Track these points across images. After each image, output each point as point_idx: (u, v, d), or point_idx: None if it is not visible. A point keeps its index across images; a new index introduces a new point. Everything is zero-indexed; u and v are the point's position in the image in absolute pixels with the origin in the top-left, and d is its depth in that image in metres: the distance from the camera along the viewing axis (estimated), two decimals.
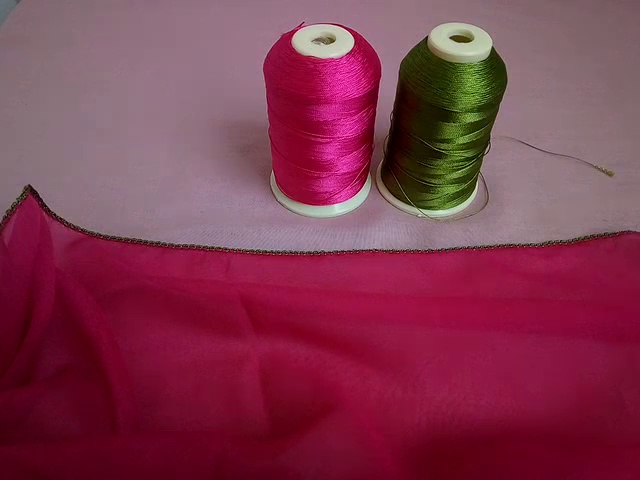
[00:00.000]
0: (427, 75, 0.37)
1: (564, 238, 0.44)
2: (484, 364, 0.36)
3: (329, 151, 0.41)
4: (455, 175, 0.43)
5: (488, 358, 0.36)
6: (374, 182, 0.49)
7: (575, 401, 0.35)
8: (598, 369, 0.36)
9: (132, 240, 0.43)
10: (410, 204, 0.46)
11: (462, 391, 0.35)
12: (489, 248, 0.43)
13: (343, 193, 0.45)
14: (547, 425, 0.34)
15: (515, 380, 0.35)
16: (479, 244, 0.44)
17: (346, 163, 0.42)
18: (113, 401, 0.32)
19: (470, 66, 0.36)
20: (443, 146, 0.40)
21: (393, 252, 0.43)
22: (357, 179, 0.45)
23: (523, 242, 0.44)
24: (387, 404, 0.34)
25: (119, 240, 0.43)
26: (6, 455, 0.27)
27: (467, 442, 0.33)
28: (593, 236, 0.44)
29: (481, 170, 0.47)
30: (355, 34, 0.38)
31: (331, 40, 0.37)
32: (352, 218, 0.46)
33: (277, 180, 0.48)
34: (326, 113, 0.37)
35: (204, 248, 0.43)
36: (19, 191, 0.39)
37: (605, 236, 0.44)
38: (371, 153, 0.45)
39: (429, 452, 0.32)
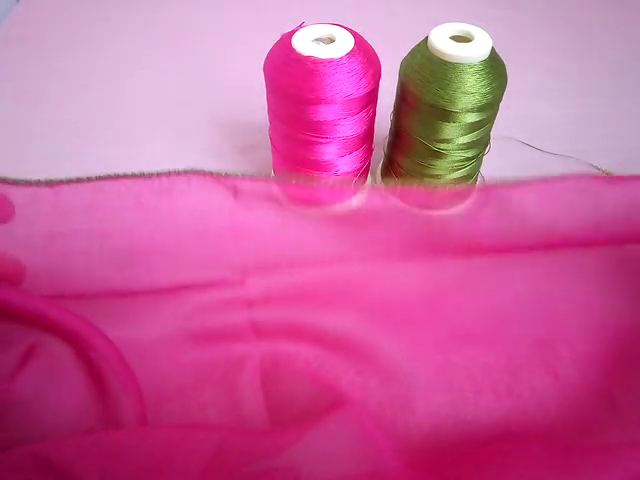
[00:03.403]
0: (427, 75, 0.37)
1: None
2: (486, 364, 0.36)
3: (329, 151, 0.41)
4: (455, 175, 0.43)
5: (490, 358, 0.36)
6: (374, 182, 0.49)
7: (575, 402, 0.35)
8: (595, 370, 0.36)
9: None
10: None
11: (463, 391, 0.35)
12: None
13: None
14: (547, 425, 0.34)
15: (516, 380, 0.36)
16: None
17: (346, 163, 0.42)
18: (121, 403, 0.32)
19: (470, 66, 0.37)
20: (443, 146, 0.40)
21: None
22: (357, 179, 0.45)
23: None
24: (388, 403, 0.34)
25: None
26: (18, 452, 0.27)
27: (468, 442, 0.33)
28: None
29: (481, 170, 0.47)
30: (355, 34, 0.38)
31: (331, 40, 0.37)
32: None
33: None
34: (326, 113, 0.37)
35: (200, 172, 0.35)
36: None
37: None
38: (371, 153, 0.45)
39: (430, 451, 0.32)
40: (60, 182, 0.32)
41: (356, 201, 0.47)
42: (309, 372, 0.36)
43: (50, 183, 0.31)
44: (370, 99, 0.39)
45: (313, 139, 0.39)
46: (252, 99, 0.50)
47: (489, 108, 0.39)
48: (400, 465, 0.31)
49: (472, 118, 0.38)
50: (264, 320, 0.37)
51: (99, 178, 0.32)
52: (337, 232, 0.39)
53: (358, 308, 0.38)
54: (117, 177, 0.33)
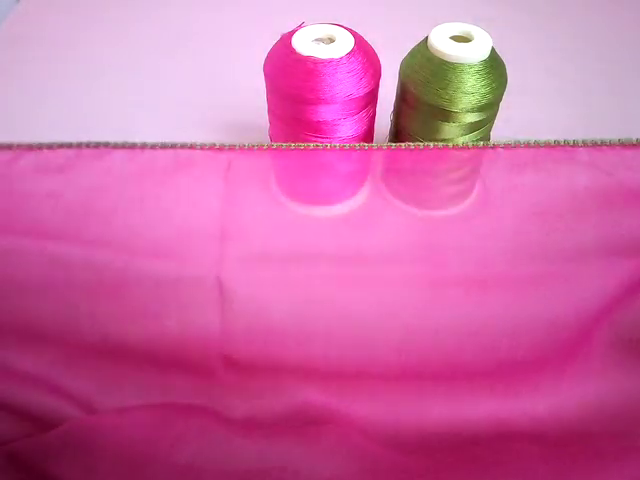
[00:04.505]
0: (427, 75, 0.37)
1: None
2: (483, 365, 0.36)
3: None
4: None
5: (487, 360, 0.36)
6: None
7: (574, 404, 0.35)
8: (595, 374, 0.36)
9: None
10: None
11: (461, 391, 0.35)
12: None
13: None
14: (545, 426, 0.34)
15: (517, 381, 0.36)
16: None
17: None
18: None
19: (470, 66, 0.36)
20: None
21: None
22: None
23: None
24: (387, 401, 0.34)
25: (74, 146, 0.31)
26: None
27: (466, 441, 0.33)
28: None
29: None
30: (355, 34, 0.38)
31: (331, 40, 0.37)
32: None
33: None
34: (326, 113, 0.37)
35: (192, 146, 0.30)
36: None
37: None
38: None
39: (429, 450, 0.32)
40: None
41: (356, 201, 0.47)
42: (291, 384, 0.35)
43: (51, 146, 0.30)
44: (370, 99, 0.39)
45: (313, 139, 0.39)
46: (252, 99, 0.50)
47: (489, 108, 0.39)
48: (397, 463, 0.31)
49: (472, 118, 0.38)
50: (236, 325, 0.35)
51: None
52: (336, 231, 0.39)
53: (359, 307, 0.38)
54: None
